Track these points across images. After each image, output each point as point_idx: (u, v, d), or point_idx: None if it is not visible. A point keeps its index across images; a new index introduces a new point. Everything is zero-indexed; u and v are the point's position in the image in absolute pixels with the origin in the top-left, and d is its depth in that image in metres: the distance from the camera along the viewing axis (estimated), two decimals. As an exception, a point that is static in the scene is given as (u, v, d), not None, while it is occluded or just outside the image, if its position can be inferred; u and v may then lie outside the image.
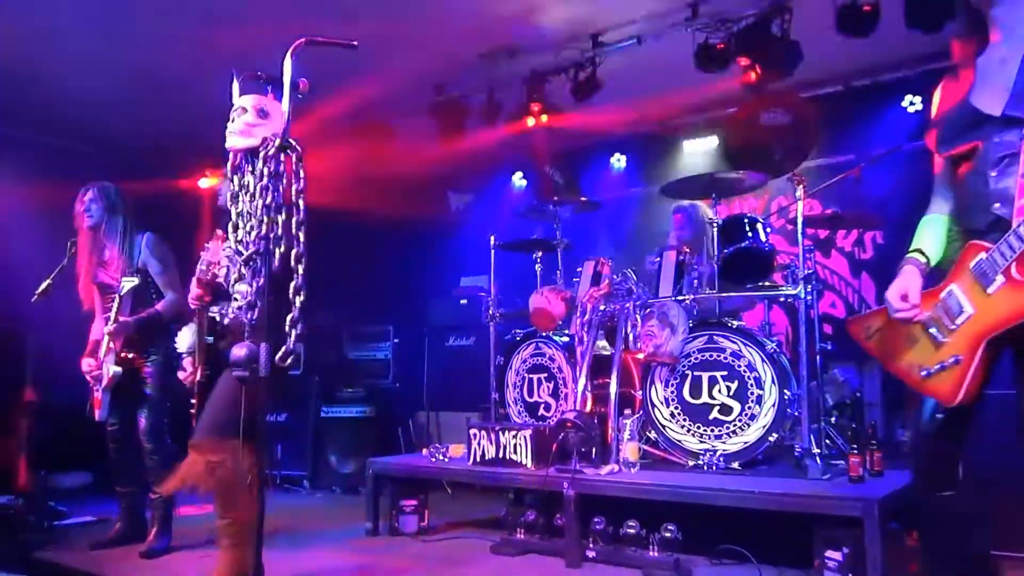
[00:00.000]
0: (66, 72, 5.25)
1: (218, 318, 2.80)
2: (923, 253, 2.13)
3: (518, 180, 7.02)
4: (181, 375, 3.09)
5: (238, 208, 2.42)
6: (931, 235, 2.16)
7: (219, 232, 2.74)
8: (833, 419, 3.93)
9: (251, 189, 2.39)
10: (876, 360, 2.19)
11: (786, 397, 3.46)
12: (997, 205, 1.95)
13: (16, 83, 5.34)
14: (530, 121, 5.55)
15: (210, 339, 2.92)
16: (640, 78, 5.26)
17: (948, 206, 2.16)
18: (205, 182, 7.32)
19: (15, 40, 4.83)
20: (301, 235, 2.35)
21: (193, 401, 2.93)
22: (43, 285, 3.98)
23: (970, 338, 1.96)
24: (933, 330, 2.03)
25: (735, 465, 3.51)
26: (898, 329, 2.12)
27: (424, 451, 4.39)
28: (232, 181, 2.43)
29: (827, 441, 3.68)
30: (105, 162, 5.98)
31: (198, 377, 2.90)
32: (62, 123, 6.02)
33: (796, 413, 3.51)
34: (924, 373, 2.04)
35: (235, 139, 2.47)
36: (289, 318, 2.30)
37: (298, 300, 2.32)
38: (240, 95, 2.55)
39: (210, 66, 4.06)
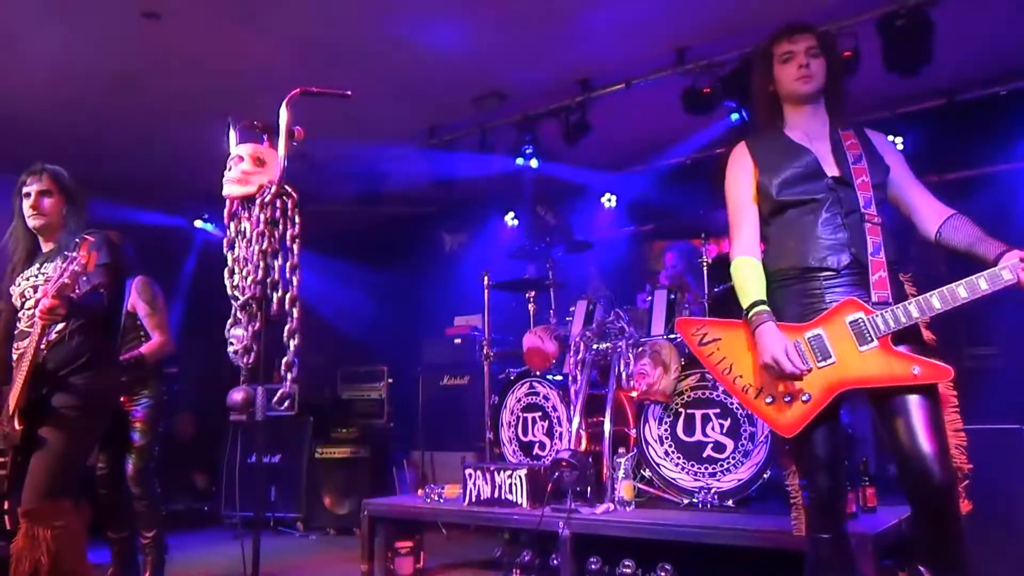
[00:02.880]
0: (66, 117, 5.34)
1: (40, 359, 2.69)
2: (764, 303, 2.19)
3: (510, 220, 7.10)
4: None
5: (234, 254, 2.45)
6: (757, 279, 2.24)
7: (88, 238, 2.68)
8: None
9: (248, 235, 2.42)
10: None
11: (778, 434, 3.48)
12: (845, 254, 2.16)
13: (15, 124, 5.42)
14: (521, 163, 5.65)
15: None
16: (629, 121, 5.37)
17: (757, 249, 2.29)
18: (200, 224, 7.40)
19: (17, 88, 4.92)
20: (295, 279, 2.39)
21: (2, 460, 2.76)
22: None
23: (828, 383, 2.08)
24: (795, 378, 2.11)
25: (729, 503, 3.52)
26: (739, 346, 2.21)
27: (419, 491, 4.38)
28: (229, 228, 2.47)
29: (820, 478, 3.68)
30: (102, 203, 6.01)
31: (16, 428, 2.68)
32: (60, 165, 6.07)
33: (788, 449, 3.52)
34: (768, 399, 2.14)
35: (232, 187, 2.51)
36: (284, 361, 2.33)
37: (292, 343, 2.34)
38: (237, 144, 2.60)
39: (207, 115, 4.15)
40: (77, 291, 2.62)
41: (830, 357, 2.10)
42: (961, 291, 2.05)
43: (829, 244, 2.17)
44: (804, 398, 2.09)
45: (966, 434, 2.15)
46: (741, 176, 2.35)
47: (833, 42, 2.40)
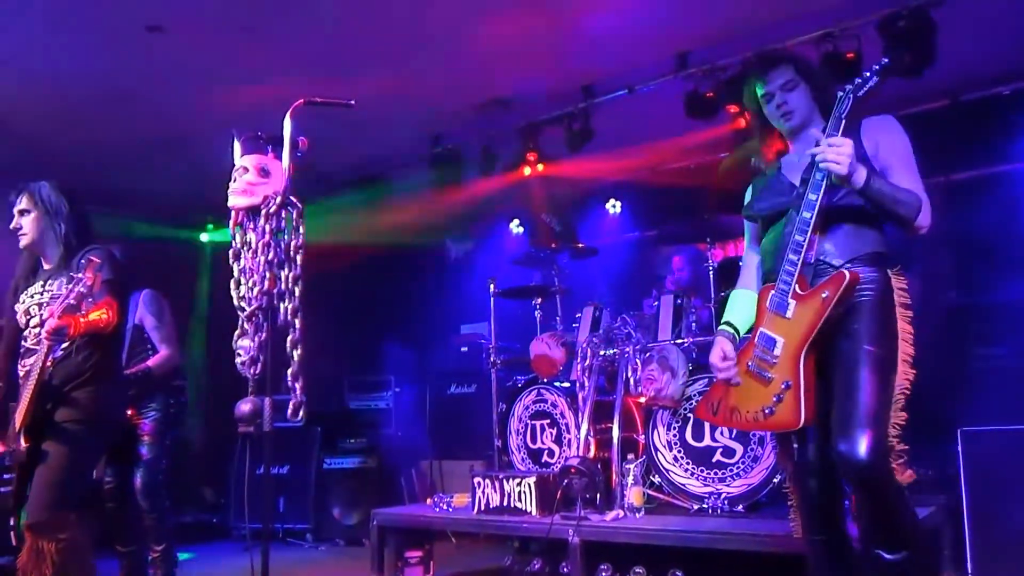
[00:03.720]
0: (72, 131, 5.37)
1: (47, 377, 2.70)
2: (731, 325, 2.43)
3: (515, 227, 7.10)
4: None
5: (240, 265, 2.46)
6: (740, 310, 2.45)
7: (94, 258, 2.69)
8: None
9: (253, 246, 2.43)
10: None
11: (788, 438, 3.46)
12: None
13: (23, 140, 5.46)
14: (526, 170, 5.65)
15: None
16: (632, 126, 5.37)
17: (752, 278, 2.47)
18: (207, 236, 7.43)
19: (22, 102, 4.95)
20: (297, 289, 2.39)
21: (8, 476, 2.81)
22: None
23: (789, 360, 2.16)
24: (760, 372, 2.23)
25: (740, 508, 3.51)
26: (730, 392, 2.33)
27: (428, 501, 4.37)
28: (235, 238, 2.48)
29: (831, 481, 3.67)
30: (109, 216, 6.04)
31: (22, 445, 2.70)
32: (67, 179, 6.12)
33: (783, 451, 3.50)
34: (767, 411, 2.19)
35: (237, 198, 2.52)
36: (290, 371, 2.33)
37: (296, 354, 2.34)
38: (242, 155, 2.62)
39: (212, 126, 4.17)
40: (83, 313, 2.63)
41: (777, 341, 2.20)
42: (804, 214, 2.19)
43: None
44: (783, 387, 2.15)
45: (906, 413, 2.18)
46: (745, 221, 2.56)
47: (809, 65, 2.44)
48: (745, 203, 2.52)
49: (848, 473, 2.03)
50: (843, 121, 2.17)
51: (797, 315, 2.16)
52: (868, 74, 2.18)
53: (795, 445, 2.28)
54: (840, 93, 2.20)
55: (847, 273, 2.11)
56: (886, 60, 2.24)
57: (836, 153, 2.06)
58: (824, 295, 2.11)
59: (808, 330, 2.13)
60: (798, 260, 2.17)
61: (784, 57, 2.42)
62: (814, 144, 2.20)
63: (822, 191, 2.14)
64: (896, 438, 2.08)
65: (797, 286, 2.17)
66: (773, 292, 2.23)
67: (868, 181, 2.08)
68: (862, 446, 1.97)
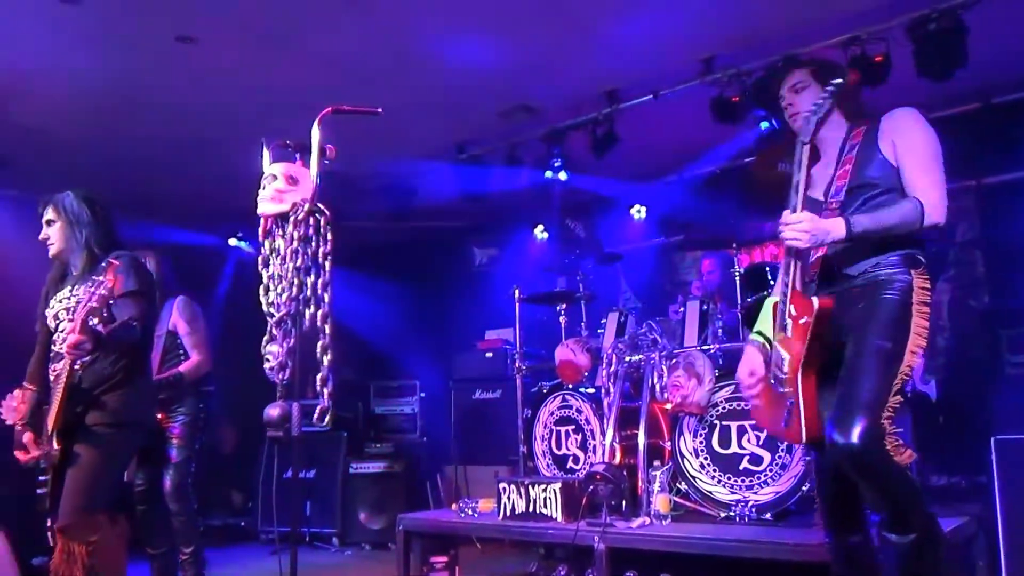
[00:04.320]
0: (105, 139, 5.48)
1: (75, 379, 2.72)
2: (762, 334, 2.39)
3: (540, 234, 7.10)
4: (21, 456, 2.86)
5: (269, 271, 2.49)
6: (762, 316, 2.43)
7: (114, 262, 2.71)
8: (866, 467, 3.86)
9: (282, 252, 2.46)
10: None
11: (816, 445, 3.43)
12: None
13: (59, 148, 5.57)
14: (550, 176, 5.65)
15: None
16: (657, 131, 5.35)
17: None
18: (236, 242, 7.53)
19: (56, 111, 5.06)
20: (326, 296, 2.41)
21: (44, 478, 2.77)
22: None
23: (791, 377, 2.19)
24: (777, 386, 2.27)
25: (767, 516, 3.47)
26: (767, 399, 2.34)
27: (453, 506, 4.38)
28: (264, 245, 2.51)
29: (861, 489, 3.62)
30: (140, 223, 6.14)
31: (54, 448, 2.73)
32: (97, 188, 6.24)
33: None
34: (784, 423, 2.24)
35: (266, 205, 2.55)
36: (319, 376, 2.35)
37: (325, 359, 2.37)
38: (270, 163, 2.65)
39: (241, 134, 4.23)
40: (104, 328, 2.66)
41: (784, 358, 2.22)
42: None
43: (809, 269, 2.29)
44: (789, 404, 2.20)
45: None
46: None
47: (829, 69, 2.41)
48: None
49: (844, 461, 2.03)
50: (805, 145, 2.22)
51: (792, 335, 2.21)
52: (821, 99, 2.23)
53: (815, 451, 2.31)
54: (805, 114, 2.24)
55: (815, 302, 2.14)
56: (839, 81, 2.23)
57: (792, 231, 2.14)
58: (802, 321, 2.16)
59: (798, 352, 2.16)
60: (789, 280, 2.22)
61: (802, 60, 2.46)
62: (836, 137, 2.31)
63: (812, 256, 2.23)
64: (888, 419, 2.06)
65: (792, 306, 2.21)
66: (779, 308, 2.28)
67: (850, 231, 2.12)
68: (855, 433, 1.98)
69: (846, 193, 2.25)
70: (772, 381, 2.29)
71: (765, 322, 2.44)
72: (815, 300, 2.14)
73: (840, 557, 2.29)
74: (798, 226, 2.13)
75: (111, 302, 2.68)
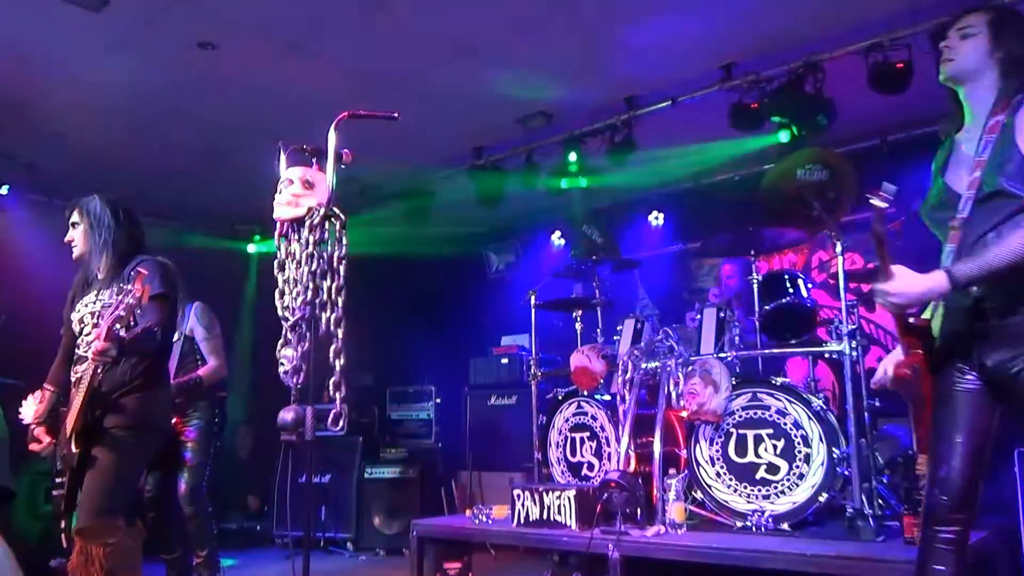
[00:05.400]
0: (126, 144, 5.54)
1: (97, 384, 2.74)
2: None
3: (557, 239, 7.10)
4: (35, 447, 2.91)
5: (284, 275, 2.49)
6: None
7: (142, 270, 2.72)
8: (885, 478, 3.82)
9: (297, 256, 2.47)
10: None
11: (835, 456, 3.38)
12: None
13: (84, 154, 5.64)
14: (568, 182, 5.64)
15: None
16: (676, 137, 5.34)
17: None
18: (253, 247, 7.58)
19: (79, 117, 5.12)
20: (340, 300, 2.41)
21: (59, 480, 2.78)
22: None
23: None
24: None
25: (784, 526, 3.43)
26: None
27: (467, 512, 4.37)
28: (280, 249, 2.52)
29: (879, 501, 3.57)
30: (159, 227, 6.20)
31: (73, 450, 2.74)
32: (119, 193, 6.31)
33: (846, 472, 3.42)
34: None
35: (282, 209, 2.56)
36: (332, 381, 2.35)
37: (338, 363, 2.36)
38: (287, 167, 2.66)
39: (259, 138, 4.26)
40: (127, 333, 2.68)
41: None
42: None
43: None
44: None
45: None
46: None
47: (1012, 25, 2.13)
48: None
49: None
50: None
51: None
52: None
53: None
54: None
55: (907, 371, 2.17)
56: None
57: (886, 302, 1.99)
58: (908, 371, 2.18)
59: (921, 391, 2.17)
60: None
61: (985, 7, 2.19)
62: (980, 113, 2.08)
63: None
64: None
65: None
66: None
67: (954, 282, 1.90)
68: None
69: (974, 206, 2.00)
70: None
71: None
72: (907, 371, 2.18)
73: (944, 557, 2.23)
74: (891, 298, 1.96)
75: (138, 311, 2.70)
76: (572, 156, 5.44)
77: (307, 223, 2.51)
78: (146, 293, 2.68)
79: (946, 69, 2.16)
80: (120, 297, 2.67)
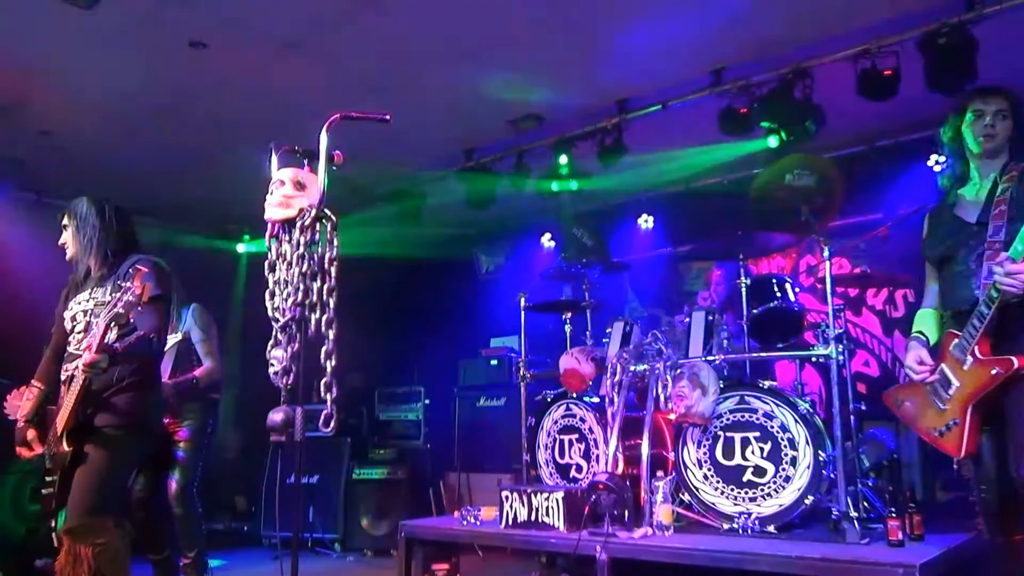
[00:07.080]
0: (116, 143, 5.52)
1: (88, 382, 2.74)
2: (923, 334, 2.74)
3: (547, 242, 7.11)
4: (26, 454, 2.91)
5: (275, 276, 2.49)
6: (927, 323, 2.77)
7: (141, 268, 2.73)
8: (870, 481, 3.85)
9: (288, 257, 2.47)
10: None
11: (821, 459, 3.41)
12: (977, 291, 2.51)
13: (75, 154, 5.61)
14: (558, 184, 5.65)
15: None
16: (665, 141, 5.36)
17: (934, 300, 2.77)
18: (243, 247, 7.56)
19: (70, 115, 5.10)
20: (331, 301, 2.42)
21: (49, 479, 2.78)
22: None
23: (960, 404, 2.49)
24: (935, 400, 2.58)
25: (770, 528, 3.45)
26: (916, 399, 2.68)
27: (455, 513, 4.37)
28: (270, 250, 2.52)
29: (864, 504, 3.60)
30: (149, 226, 6.17)
31: (64, 448, 2.74)
32: (110, 192, 6.28)
33: (832, 475, 3.45)
34: (937, 433, 2.56)
35: (273, 210, 2.56)
36: (323, 382, 2.35)
37: (329, 364, 2.37)
38: (278, 168, 2.66)
39: (250, 139, 4.25)
40: (120, 344, 2.68)
41: (953, 383, 2.51)
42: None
43: (960, 287, 2.56)
44: (952, 423, 2.50)
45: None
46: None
47: (1020, 103, 2.66)
48: (923, 237, 2.80)
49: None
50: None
51: (972, 372, 2.45)
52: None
53: (974, 464, 2.59)
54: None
55: (1015, 361, 2.36)
56: None
57: (1013, 281, 2.31)
58: (994, 372, 2.39)
59: (977, 391, 2.43)
60: (981, 327, 2.42)
61: (1002, 90, 2.65)
62: (996, 174, 2.56)
63: (995, 305, 2.39)
64: None
65: (978, 348, 2.44)
66: (957, 340, 2.51)
67: None
68: None
69: (1008, 228, 2.43)
70: (928, 391, 2.59)
71: (924, 326, 2.75)
72: (1015, 360, 2.35)
73: (1005, 555, 2.53)
74: (1020, 276, 2.29)
75: (137, 309, 2.69)
76: (563, 159, 5.46)
77: (298, 224, 2.51)
78: (147, 291, 2.67)
79: (988, 145, 2.61)
80: (118, 294, 2.67)
